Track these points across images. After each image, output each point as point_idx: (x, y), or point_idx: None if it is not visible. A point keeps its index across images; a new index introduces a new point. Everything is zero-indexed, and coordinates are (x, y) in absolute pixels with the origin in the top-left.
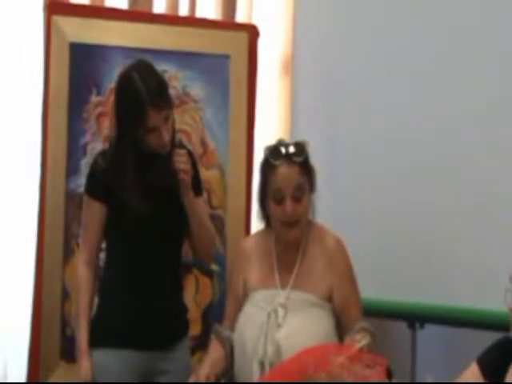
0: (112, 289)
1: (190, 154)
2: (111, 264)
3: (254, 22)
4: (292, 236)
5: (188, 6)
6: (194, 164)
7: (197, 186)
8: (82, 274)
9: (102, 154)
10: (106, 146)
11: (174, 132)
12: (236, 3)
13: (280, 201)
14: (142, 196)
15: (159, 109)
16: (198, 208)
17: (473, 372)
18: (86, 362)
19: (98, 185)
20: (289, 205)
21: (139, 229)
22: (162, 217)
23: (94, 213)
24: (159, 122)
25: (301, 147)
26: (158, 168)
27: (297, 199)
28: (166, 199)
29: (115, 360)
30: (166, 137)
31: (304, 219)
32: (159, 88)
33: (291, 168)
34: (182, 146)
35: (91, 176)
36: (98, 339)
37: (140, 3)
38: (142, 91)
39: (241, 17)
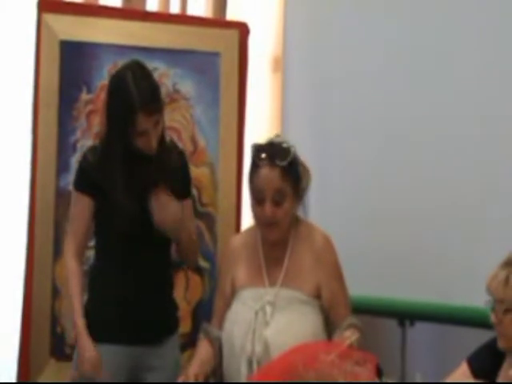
0: (101, 285)
1: (182, 154)
2: (100, 260)
3: (245, 19)
4: (271, 237)
5: (179, 4)
6: (185, 165)
7: (186, 187)
8: (71, 266)
9: (92, 149)
10: (96, 142)
11: (163, 133)
12: (227, 1)
13: (260, 202)
14: (129, 193)
15: (150, 114)
16: (187, 234)
17: (463, 371)
18: (89, 345)
19: (87, 180)
20: (268, 207)
21: (128, 225)
22: (148, 212)
23: (82, 207)
24: (149, 126)
25: (286, 151)
26: (147, 166)
27: (277, 202)
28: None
29: (103, 355)
30: (154, 141)
31: (284, 222)
32: (151, 92)
33: (273, 171)
34: (173, 145)
35: (80, 171)
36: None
37: (133, 1)
38: (134, 95)
39: (231, 15)
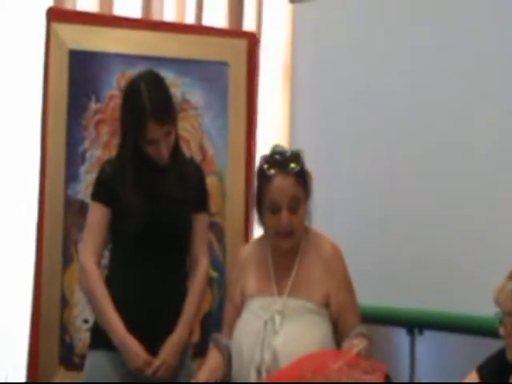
0: (114, 292)
1: (200, 168)
2: (114, 267)
3: (261, 30)
4: (286, 245)
5: (195, 15)
6: (202, 179)
7: (203, 201)
8: (96, 273)
9: (109, 161)
10: (107, 152)
11: (178, 145)
12: (243, 12)
13: (275, 211)
14: (141, 200)
15: (160, 123)
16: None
17: (472, 380)
18: (134, 343)
19: (103, 190)
20: (284, 216)
21: (139, 231)
22: (165, 222)
23: (100, 216)
24: (159, 135)
25: (296, 156)
26: (160, 174)
27: (292, 210)
28: (169, 204)
29: (111, 362)
30: (165, 151)
31: (300, 229)
32: (164, 102)
33: (286, 179)
34: (189, 160)
35: (97, 181)
36: (95, 342)
37: (152, 11)
38: (146, 103)
39: (248, 25)
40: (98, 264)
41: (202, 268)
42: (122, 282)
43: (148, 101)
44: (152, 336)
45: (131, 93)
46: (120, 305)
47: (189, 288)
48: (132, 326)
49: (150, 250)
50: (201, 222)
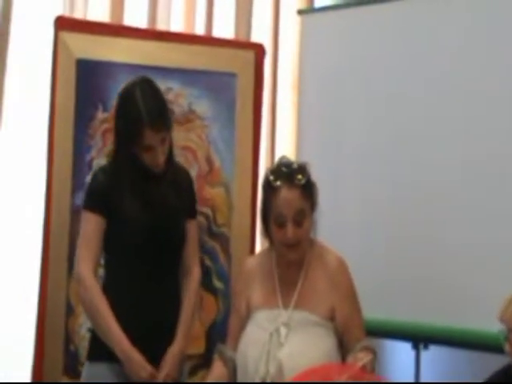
0: (111, 302)
1: (188, 173)
2: (110, 278)
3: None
4: (292, 257)
5: (205, 26)
6: (192, 184)
7: (194, 207)
8: (94, 284)
9: (101, 168)
10: (106, 161)
11: (171, 152)
12: (251, 23)
13: (281, 224)
14: (138, 208)
15: (156, 130)
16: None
17: None
18: (138, 357)
19: (97, 199)
20: (290, 229)
21: (139, 241)
22: (161, 229)
23: (94, 227)
24: (155, 142)
25: (302, 169)
26: (156, 182)
27: (298, 223)
28: (165, 212)
29: (110, 373)
30: (161, 158)
31: (305, 241)
32: (159, 109)
33: (292, 191)
34: (179, 167)
35: (90, 190)
36: (94, 353)
37: (161, 21)
38: (142, 110)
39: (256, 36)
40: (96, 275)
41: (195, 277)
42: (119, 292)
43: (144, 108)
44: (150, 346)
45: (126, 100)
46: (118, 315)
47: (184, 297)
48: (130, 337)
49: (148, 259)
50: (193, 228)
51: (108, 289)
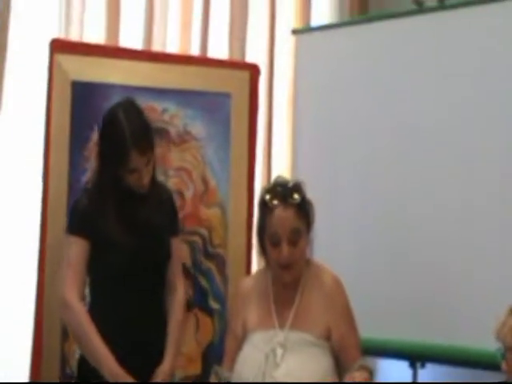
0: (97, 324)
1: (170, 190)
2: (95, 300)
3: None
4: (288, 278)
5: (199, 46)
6: (174, 202)
7: (176, 224)
8: (81, 309)
9: (84, 192)
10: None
11: (154, 172)
12: (246, 43)
13: (276, 244)
14: (124, 230)
15: (142, 153)
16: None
17: None
18: (127, 377)
19: (82, 222)
20: (285, 249)
21: (124, 263)
22: (146, 250)
23: (79, 251)
24: (140, 164)
25: (297, 188)
26: (140, 203)
27: (293, 242)
28: (150, 232)
29: None
30: (146, 179)
31: (301, 261)
32: (144, 130)
33: (287, 211)
34: (161, 185)
35: (73, 214)
36: (83, 374)
37: (156, 42)
38: (127, 133)
39: (251, 56)
40: (82, 299)
41: (180, 295)
42: (104, 314)
43: (128, 130)
44: (137, 366)
45: (110, 122)
46: (104, 337)
47: (170, 315)
48: (117, 358)
49: (133, 280)
50: (176, 245)
51: (93, 310)
